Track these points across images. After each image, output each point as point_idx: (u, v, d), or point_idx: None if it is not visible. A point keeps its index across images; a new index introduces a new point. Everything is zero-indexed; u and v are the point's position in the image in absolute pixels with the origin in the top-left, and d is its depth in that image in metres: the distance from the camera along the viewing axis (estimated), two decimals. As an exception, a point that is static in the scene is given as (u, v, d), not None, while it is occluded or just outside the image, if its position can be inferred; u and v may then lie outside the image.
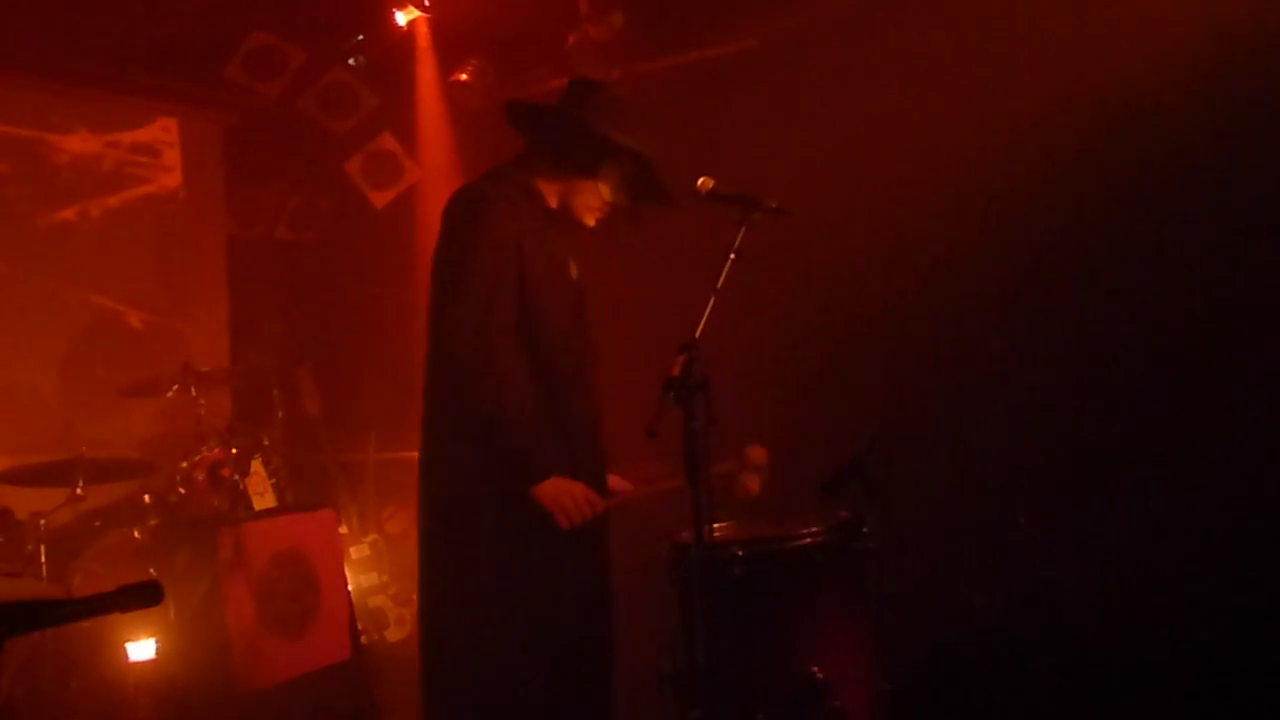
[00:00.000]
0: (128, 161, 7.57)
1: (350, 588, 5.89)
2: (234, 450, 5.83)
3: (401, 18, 7.33)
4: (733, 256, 3.51)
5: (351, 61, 7.63)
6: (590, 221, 3.88)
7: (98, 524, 5.76)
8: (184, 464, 5.89)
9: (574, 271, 3.91)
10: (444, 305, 3.67)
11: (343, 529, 6.57)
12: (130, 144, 7.58)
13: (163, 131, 7.74)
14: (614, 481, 3.93)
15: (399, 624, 6.69)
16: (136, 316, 7.51)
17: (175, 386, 6.17)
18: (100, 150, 7.41)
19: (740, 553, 3.70)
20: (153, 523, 5.64)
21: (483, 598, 3.64)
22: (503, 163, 3.91)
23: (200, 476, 5.82)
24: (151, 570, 5.27)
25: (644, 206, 3.94)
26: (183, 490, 5.82)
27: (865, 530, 3.81)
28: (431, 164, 7.62)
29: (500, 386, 3.58)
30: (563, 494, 3.59)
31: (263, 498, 5.74)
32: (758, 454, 3.91)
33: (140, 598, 2.24)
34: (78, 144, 7.30)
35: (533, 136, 3.91)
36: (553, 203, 3.85)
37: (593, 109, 3.79)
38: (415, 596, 6.75)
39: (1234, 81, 4.92)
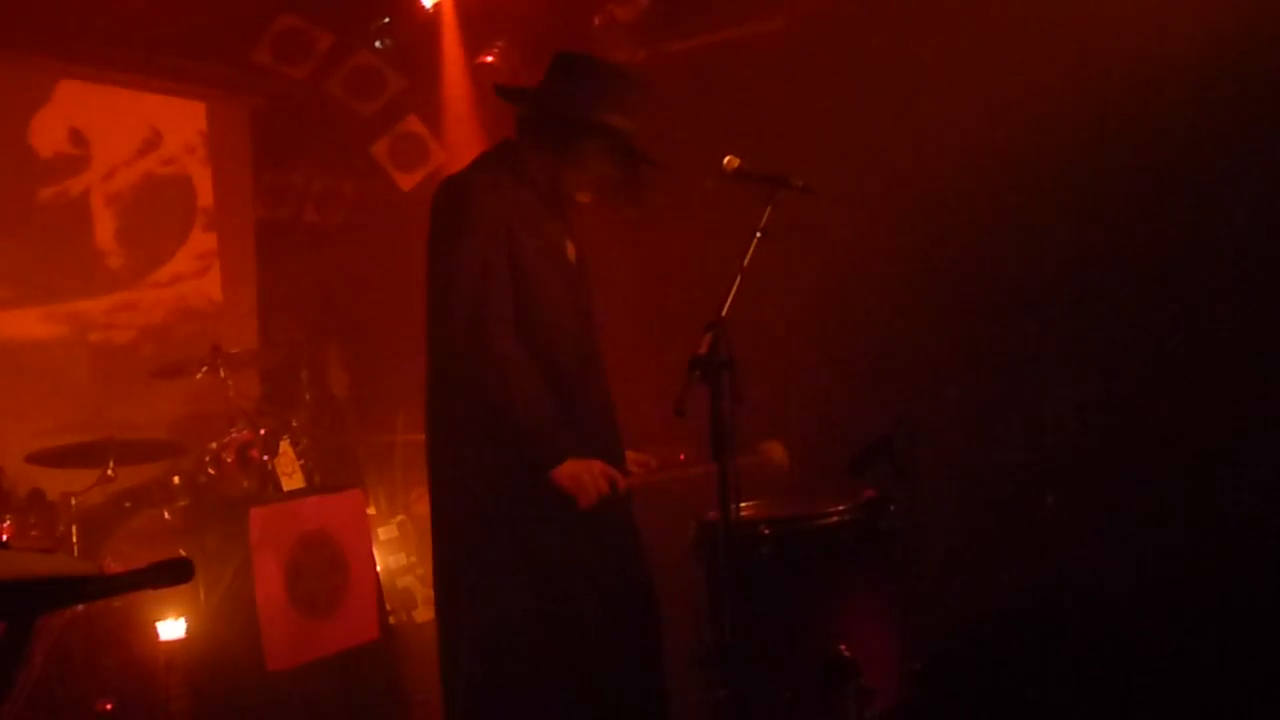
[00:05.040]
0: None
1: (378, 568, 5.91)
2: (262, 431, 5.85)
3: (427, 0, 7.33)
4: (759, 235, 3.50)
5: (378, 44, 7.63)
6: (584, 199, 3.83)
7: (128, 505, 5.79)
8: (213, 445, 5.92)
9: (571, 252, 3.85)
10: (437, 301, 3.66)
11: (370, 510, 6.59)
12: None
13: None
14: (633, 457, 3.91)
15: (427, 604, 6.71)
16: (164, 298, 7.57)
17: (204, 368, 6.19)
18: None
19: (767, 531, 3.69)
20: (182, 503, 5.68)
21: (506, 590, 3.63)
22: (491, 148, 3.88)
23: (229, 457, 5.85)
24: (181, 550, 5.30)
25: (641, 185, 3.85)
26: (212, 471, 5.85)
27: (892, 509, 3.80)
28: (457, 146, 7.62)
29: (504, 375, 3.55)
30: (582, 472, 3.56)
31: (291, 478, 5.75)
32: (777, 452, 3.89)
33: (171, 574, 2.26)
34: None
35: (520, 118, 3.86)
36: (545, 184, 3.78)
37: (573, 84, 3.73)
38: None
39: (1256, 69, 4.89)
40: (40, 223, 6.83)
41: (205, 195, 7.75)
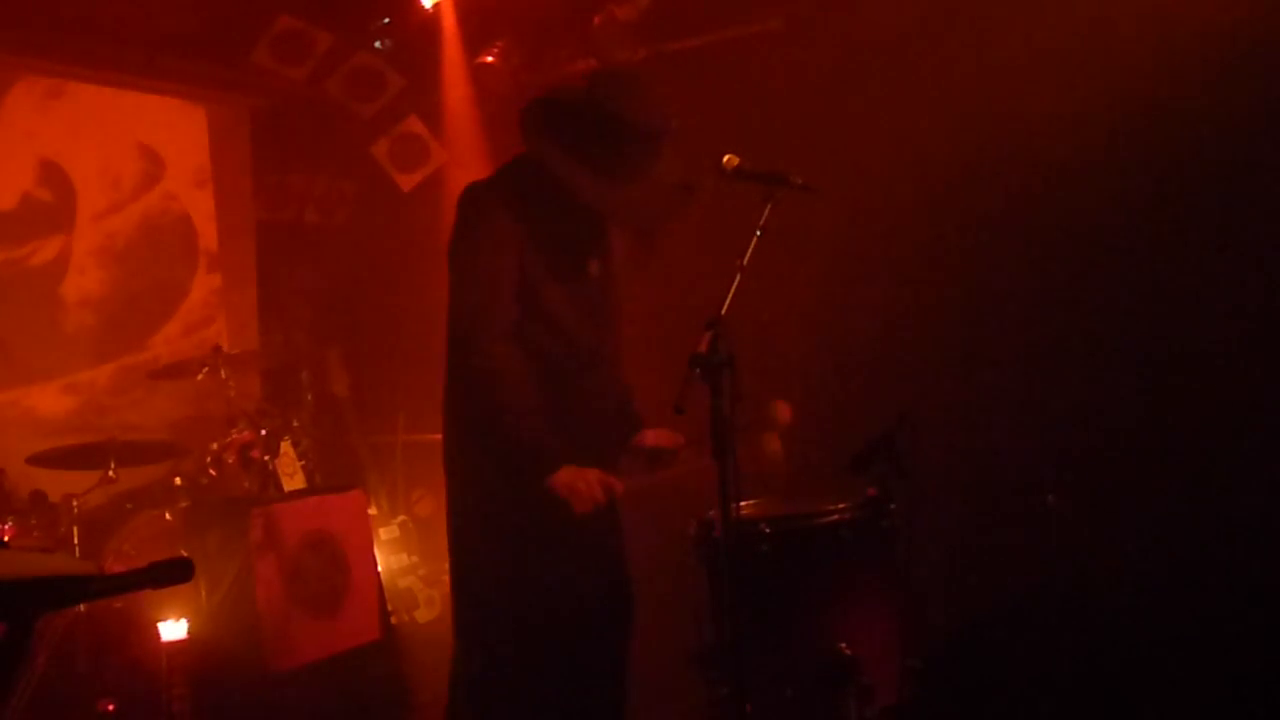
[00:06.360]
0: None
1: (380, 569, 5.92)
2: (263, 432, 5.86)
3: (427, 0, 7.34)
4: (758, 234, 3.50)
5: (378, 45, 7.63)
6: (606, 214, 3.76)
7: (129, 506, 5.81)
8: (214, 446, 5.93)
9: (594, 268, 3.81)
10: (449, 304, 3.72)
11: (372, 510, 6.60)
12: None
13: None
14: (653, 436, 3.89)
15: (428, 605, 6.72)
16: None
17: (205, 369, 6.20)
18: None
19: (767, 530, 3.70)
20: (184, 504, 5.69)
21: (498, 587, 3.70)
22: (521, 154, 3.83)
23: (230, 458, 5.86)
24: (183, 551, 5.31)
25: (680, 200, 3.81)
26: (213, 472, 5.87)
27: (893, 507, 3.81)
28: (457, 147, 7.62)
29: (498, 383, 3.58)
30: (577, 480, 3.57)
31: (292, 479, 5.76)
32: (782, 410, 3.89)
33: (171, 574, 2.27)
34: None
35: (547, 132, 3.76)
36: (570, 196, 3.66)
37: (601, 97, 3.64)
38: (445, 578, 6.83)
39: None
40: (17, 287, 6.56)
41: (208, 236, 7.60)
